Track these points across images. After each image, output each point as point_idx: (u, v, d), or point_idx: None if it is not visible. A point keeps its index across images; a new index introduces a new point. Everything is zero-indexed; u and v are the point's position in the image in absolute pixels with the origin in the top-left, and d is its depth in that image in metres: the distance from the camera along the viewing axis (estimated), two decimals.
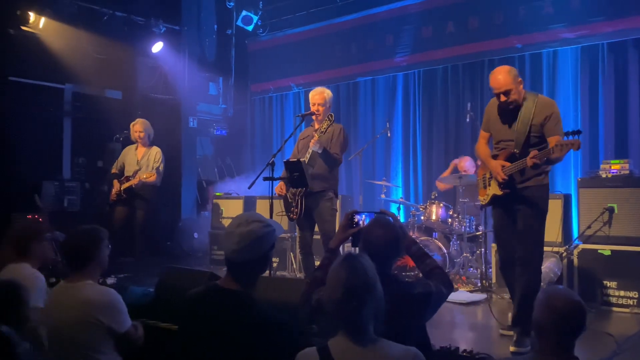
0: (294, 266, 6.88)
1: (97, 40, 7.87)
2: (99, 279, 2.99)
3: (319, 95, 5.08)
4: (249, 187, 5.00)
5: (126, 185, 6.41)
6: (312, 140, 4.87)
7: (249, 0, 9.75)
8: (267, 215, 4.82)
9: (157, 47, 8.45)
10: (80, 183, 7.94)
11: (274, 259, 7.04)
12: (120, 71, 8.36)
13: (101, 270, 2.93)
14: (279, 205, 5.16)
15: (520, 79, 3.91)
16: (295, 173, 4.73)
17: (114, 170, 6.69)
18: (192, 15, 9.17)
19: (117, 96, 8.66)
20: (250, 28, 9.82)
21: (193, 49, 9.18)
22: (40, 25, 7.43)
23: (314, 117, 5.10)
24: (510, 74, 3.86)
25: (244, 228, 2.23)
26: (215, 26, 9.81)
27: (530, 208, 3.89)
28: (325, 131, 4.93)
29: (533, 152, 3.69)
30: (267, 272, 5.54)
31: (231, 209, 7.63)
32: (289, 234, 7.04)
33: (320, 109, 5.04)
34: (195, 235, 8.39)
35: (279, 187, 5.05)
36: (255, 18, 9.74)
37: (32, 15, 7.36)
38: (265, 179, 4.76)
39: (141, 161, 6.53)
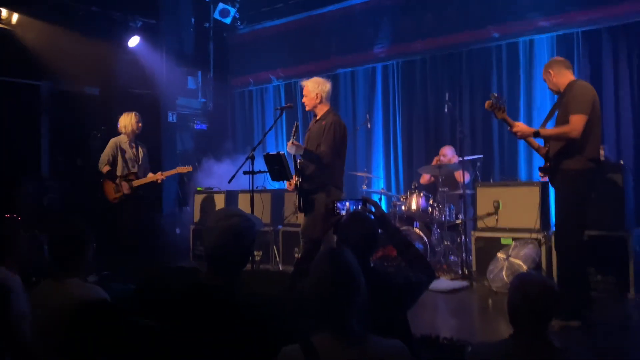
0: (277, 259, 6.90)
1: (72, 36, 7.75)
2: (84, 277, 2.97)
3: (304, 87, 4.92)
4: (229, 182, 4.99)
5: (139, 183, 6.20)
6: (288, 144, 4.76)
7: None
8: (248, 210, 4.85)
9: (134, 41, 8.36)
10: (59, 181, 7.85)
11: (256, 253, 7.05)
12: (97, 67, 8.24)
13: (87, 268, 2.91)
14: (259, 199, 5.17)
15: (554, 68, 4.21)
16: (275, 166, 4.73)
17: (107, 168, 6.30)
18: (169, 9, 9.07)
19: (95, 92, 8.55)
20: (228, 21, 9.76)
21: (171, 43, 9.09)
22: (14, 21, 7.31)
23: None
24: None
25: (225, 223, 2.24)
26: (193, 20, 9.73)
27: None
28: (320, 125, 4.80)
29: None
30: (250, 266, 5.57)
31: (213, 204, 7.63)
32: (271, 228, 7.06)
33: (305, 100, 4.90)
34: (177, 230, 8.36)
35: (289, 183, 4.90)
36: (232, 11, 9.69)
37: (4, 11, 7.23)
38: (246, 172, 4.77)
39: (142, 158, 6.38)
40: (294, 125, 4.85)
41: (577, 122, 3.94)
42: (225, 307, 2.18)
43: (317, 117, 4.89)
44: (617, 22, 6.47)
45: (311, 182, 4.75)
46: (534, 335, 1.99)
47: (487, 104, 4.12)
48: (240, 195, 7.42)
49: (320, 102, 4.87)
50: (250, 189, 4.87)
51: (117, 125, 6.56)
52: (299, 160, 4.80)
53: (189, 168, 6.38)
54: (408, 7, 8.01)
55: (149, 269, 4.43)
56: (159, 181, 6.18)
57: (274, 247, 6.99)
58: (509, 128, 4.20)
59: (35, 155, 7.89)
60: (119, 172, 6.28)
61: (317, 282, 1.94)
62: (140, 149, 6.45)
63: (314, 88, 4.86)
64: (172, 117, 9.03)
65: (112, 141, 6.40)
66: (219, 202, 7.55)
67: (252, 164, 4.78)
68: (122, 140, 6.39)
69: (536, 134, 4.09)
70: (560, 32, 6.84)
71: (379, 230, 2.65)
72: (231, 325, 2.13)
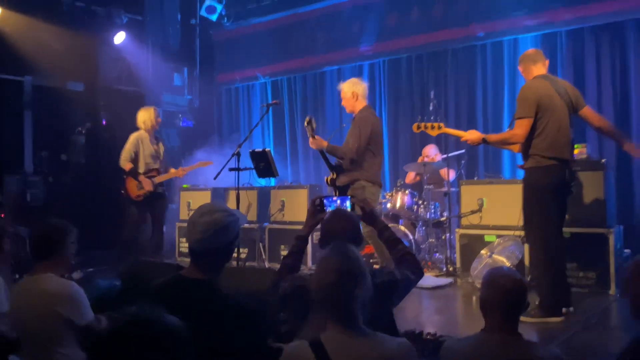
0: (263, 257, 6.90)
1: (56, 31, 7.69)
2: (64, 274, 2.96)
3: (341, 91, 5.11)
4: (215, 178, 4.99)
5: (162, 179, 6.09)
6: (310, 140, 4.91)
7: None
8: (234, 207, 4.85)
9: (120, 37, 8.32)
10: (43, 177, 7.79)
11: (242, 250, 7.04)
12: (81, 63, 8.19)
13: (66, 264, 2.90)
14: (246, 196, 5.17)
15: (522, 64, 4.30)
16: (261, 163, 4.75)
17: (130, 165, 6.09)
18: (154, 4, 9.03)
19: (79, 88, 8.49)
20: (214, 18, 9.72)
21: (156, 39, 9.06)
22: None
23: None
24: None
25: (208, 217, 2.22)
26: (179, 16, 9.68)
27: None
28: (354, 122, 4.97)
29: None
30: (236, 263, 5.57)
31: (199, 201, 7.60)
32: (257, 224, 7.06)
33: (344, 103, 5.09)
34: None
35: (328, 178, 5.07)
36: (219, 7, 9.65)
37: None
38: (232, 169, 4.77)
39: (163, 153, 6.25)
40: (306, 120, 4.90)
41: (516, 127, 4.05)
42: (208, 302, 2.17)
43: (354, 115, 5.03)
44: (599, 21, 6.55)
45: (345, 177, 4.88)
46: (505, 327, 2.02)
47: (414, 127, 4.27)
48: (227, 193, 7.40)
49: (357, 100, 5.02)
50: (236, 185, 4.87)
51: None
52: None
53: (210, 162, 6.21)
54: (394, 5, 8.04)
55: (133, 265, 4.41)
56: (180, 176, 6.03)
57: (260, 244, 6.98)
58: (461, 139, 4.27)
59: (18, 151, 7.81)
60: (140, 169, 6.10)
61: (325, 271, 1.92)
62: (160, 144, 6.31)
63: (349, 87, 5.03)
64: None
65: (133, 137, 6.17)
66: (205, 199, 7.52)
67: (238, 160, 4.77)
68: (144, 136, 6.18)
69: (484, 141, 4.16)
70: (545, 32, 6.91)
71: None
72: (214, 319, 2.13)
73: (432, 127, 4.24)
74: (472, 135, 4.21)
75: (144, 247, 6.35)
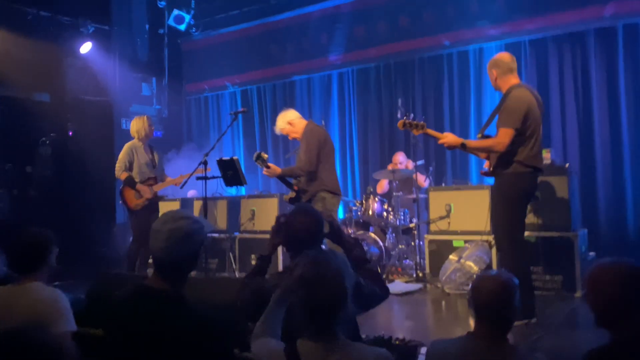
0: (234, 267, 6.85)
1: (20, 41, 7.55)
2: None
3: (281, 131, 5.29)
4: (181, 187, 4.96)
5: (160, 187, 5.98)
6: (264, 172, 5.03)
7: None
8: (202, 215, 4.81)
9: (86, 47, 8.21)
10: (7, 189, 7.61)
11: (212, 261, 6.99)
12: (47, 73, 8.04)
13: (49, 273, 2.86)
14: (215, 206, 5.14)
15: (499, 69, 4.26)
16: (229, 171, 4.74)
17: (126, 174, 5.96)
18: (122, 14, 8.95)
19: (45, 99, 8.34)
20: (182, 27, 9.68)
21: (124, 49, 8.96)
22: None
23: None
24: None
25: (172, 225, 2.17)
26: (147, 26, 9.61)
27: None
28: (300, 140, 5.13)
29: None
30: (204, 273, 5.52)
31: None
32: (227, 235, 7.01)
33: (290, 137, 5.30)
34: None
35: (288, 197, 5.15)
36: (187, 17, 9.62)
37: None
38: (199, 178, 4.74)
39: (158, 162, 6.15)
40: (254, 157, 5.04)
41: (502, 136, 4.01)
42: (171, 313, 2.13)
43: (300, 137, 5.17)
44: (561, 31, 6.72)
45: (305, 194, 4.99)
46: (491, 333, 2.00)
47: (399, 124, 4.27)
48: (196, 202, 7.34)
49: (295, 125, 5.20)
50: (204, 195, 4.83)
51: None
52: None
53: (208, 169, 6.15)
54: (362, 15, 8.13)
55: (99, 278, 4.33)
56: (178, 185, 5.87)
57: (230, 254, 6.92)
58: (438, 141, 4.28)
59: None
60: (136, 178, 5.99)
61: (303, 286, 1.87)
62: (155, 153, 6.21)
63: (283, 123, 5.23)
64: (125, 124, 8.88)
65: (127, 146, 6.07)
66: (174, 209, 7.45)
67: (206, 169, 4.75)
68: (137, 145, 6.09)
69: (462, 146, 4.19)
70: (509, 40, 7.05)
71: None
72: (179, 330, 2.09)
73: (417, 126, 4.25)
74: (448, 138, 4.22)
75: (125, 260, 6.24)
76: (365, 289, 2.48)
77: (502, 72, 4.23)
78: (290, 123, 5.20)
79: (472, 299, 2.08)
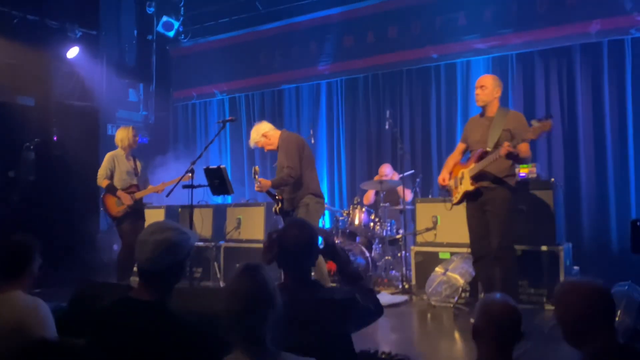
0: (218, 276, 6.80)
1: (6, 45, 7.47)
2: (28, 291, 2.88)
3: (256, 143, 5.30)
4: (167, 195, 4.92)
5: (141, 194, 6.00)
6: (255, 188, 5.02)
7: (170, 5, 9.60)
8: (187, 225, 4.78)
9: (73, 52, 8.14)
10: None
11: (197, 269, 6.93)
12: (32, 77, 7.95)
13: (31, 282, 2.81)
14: (199, 214, 5.11)
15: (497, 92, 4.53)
16: (216, 180, 4.71)
17: (107, 182, 6.00)
18: (110, 20, 8.91)
19: (30, 103, 8.24)
20: (171, 34, 9.66)
21: (112, 54, 8.91)
22: None
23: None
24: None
25: (159, 236, 2.17)
26: (135, 31, 9.58)
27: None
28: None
29: (505, 144, 4.09)
30: (189, 282, 5.47)
31: (152, 219, 7.43)
32: (212, 243, 6.96)
33: (266, 149, 5.29)
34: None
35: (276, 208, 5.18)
36: (176, 24, 9.60)
37: None
38: (185, 187, 4.70)
39: (140, 170, 6.18)
40: (253, 170, 5.11)
41: (527, 149, 4.31)
42: (156, 324, 2.11)
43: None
44: (547, 45, 6.80)
45: (291, 202, 5.00)
46: (498, 358, 1.99)
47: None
48: (181, 211, 7.29)
49: (270, 137, 5.22)
50: (190, 203, 4.80)
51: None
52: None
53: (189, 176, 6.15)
54: (351, 26, 8.17)
55: (81, 286, 4.27)
56: (159, 192, 5.94)
57: (215, 263, 6.87)
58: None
59: None
60: (118, 186, 6.02)
61: (232, 297, 1.86)
62: (137, 162, 6.24)
63: (257, 136, 5.23)
64: (111, 130, 8.82)
65: (109, 155, 6.15)
66: (159, 217, 7.39)
67: (192, 177, 4.72)
68: (119, 153, 6.15)
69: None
70: (496, 54, 7.13)
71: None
72: (163, 342, 2.07)
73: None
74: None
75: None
76: (360, 305, 2.46)
77: (497, 94, 4.55)
78: (265, 135, 5.22)
79: (478, 324, 2.04)
